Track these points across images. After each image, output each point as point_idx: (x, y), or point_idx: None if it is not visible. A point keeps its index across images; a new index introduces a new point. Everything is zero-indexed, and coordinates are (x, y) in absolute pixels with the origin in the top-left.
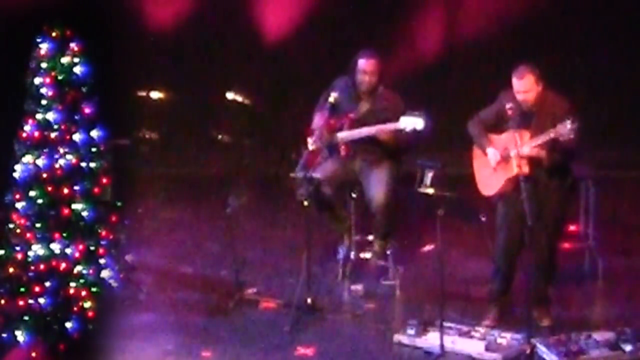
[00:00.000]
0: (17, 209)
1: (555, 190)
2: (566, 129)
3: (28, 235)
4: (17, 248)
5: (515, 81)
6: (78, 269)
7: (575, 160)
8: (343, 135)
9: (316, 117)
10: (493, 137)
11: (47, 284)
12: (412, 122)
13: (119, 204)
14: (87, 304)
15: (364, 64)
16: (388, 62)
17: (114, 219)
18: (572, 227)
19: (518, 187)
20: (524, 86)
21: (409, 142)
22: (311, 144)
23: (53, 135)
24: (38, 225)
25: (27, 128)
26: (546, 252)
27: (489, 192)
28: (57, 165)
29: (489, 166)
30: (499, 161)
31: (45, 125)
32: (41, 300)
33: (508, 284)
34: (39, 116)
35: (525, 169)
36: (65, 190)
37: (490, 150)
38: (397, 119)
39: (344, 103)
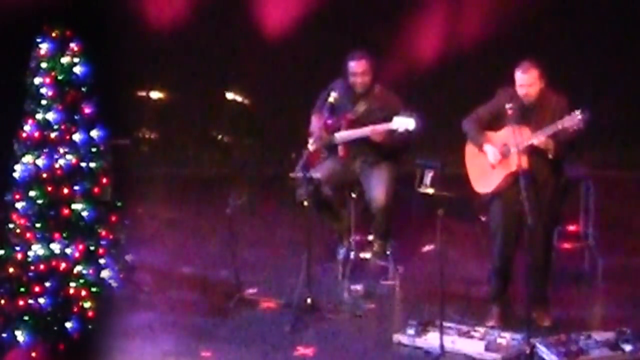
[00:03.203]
0: (17, 209)
1: (552, 188)
2: (576, 119)
3: (28, 235)
4: (17, 248)
5: (519, 75)
6: (78, 269)
7: (570, 158)
8: (341, 135)
9: (314, 119)
10: (490, 134)
11: (47, 284)
12: (404, 123)
13: (119, 204)
14: (87, 304)
15: (354, 65)
16: (388, 62)
17: (114, 219)
18: (572, 227)
19: (516, 184)
20: (528, 80)
21: (404, 143)
22: (311, 144)
23: (53, 135)
24: (38, 225)
25: (27, 128)
26: (543, 252)
27: (485, 189)
28: (57, 165)
29: (484, 163)
30: (499, 158)
31: (45, 125)
32: (41, 300)
33: (505, 283)
34: (39, 116)
35: (525, 164)
36: (65, 190)
37: (488, 147)
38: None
39: (342, 104)
